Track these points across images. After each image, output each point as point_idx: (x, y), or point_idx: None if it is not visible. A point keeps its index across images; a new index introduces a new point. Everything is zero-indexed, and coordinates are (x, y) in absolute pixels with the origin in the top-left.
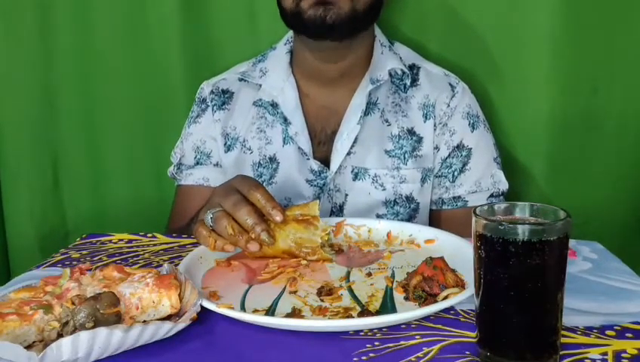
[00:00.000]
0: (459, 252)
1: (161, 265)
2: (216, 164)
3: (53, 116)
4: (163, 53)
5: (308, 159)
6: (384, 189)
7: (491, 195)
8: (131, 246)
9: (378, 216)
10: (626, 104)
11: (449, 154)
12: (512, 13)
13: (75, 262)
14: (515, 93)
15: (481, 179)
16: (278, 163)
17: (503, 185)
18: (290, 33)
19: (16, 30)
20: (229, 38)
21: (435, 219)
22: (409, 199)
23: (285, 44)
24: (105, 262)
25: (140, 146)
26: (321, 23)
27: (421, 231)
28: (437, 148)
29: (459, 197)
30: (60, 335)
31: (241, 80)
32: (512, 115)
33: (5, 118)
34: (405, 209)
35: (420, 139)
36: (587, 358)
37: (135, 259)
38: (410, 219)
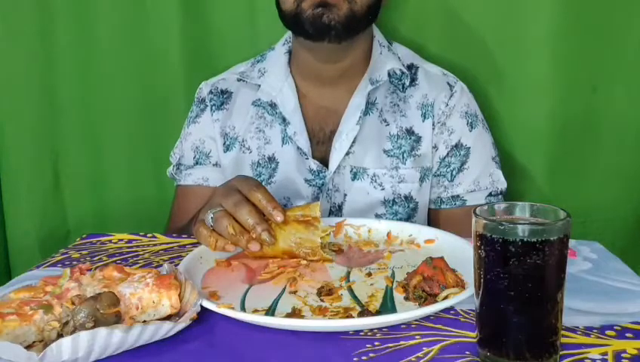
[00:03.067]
0: (459, 252)
1: (161, 265)
2: (216, 164)
3: (53, 116)
4: (163, 53)
5: (307, 159)
6: (383, 189)
7: (490, 194)
8: (131, 247)
9: (377, 216)
10: (625, 104)
11: (447, 154)
12: (512, 13)
13: (75, 262)
14: (514, 93)
15: (479, 178)
16: (277, 163)
17: (502, 184)
18: (289, 33)
19: (16, 30)
20: (229, 38)
21: (434, 219)
22: (408, 198)
23: (284, 45)
24: (105, 262)
25: (140, 146)
26: (320, 24)
27: (421, 231)
28: (435, 147)
29: (457, 196)
30: (60, 335)
31: (239, 80)
32: (512, 114)
33: (5, 118)
34: (404, 208)
35: (418, 139)
36: (587, 358)
37: (135, 259)
38: (409, 218)
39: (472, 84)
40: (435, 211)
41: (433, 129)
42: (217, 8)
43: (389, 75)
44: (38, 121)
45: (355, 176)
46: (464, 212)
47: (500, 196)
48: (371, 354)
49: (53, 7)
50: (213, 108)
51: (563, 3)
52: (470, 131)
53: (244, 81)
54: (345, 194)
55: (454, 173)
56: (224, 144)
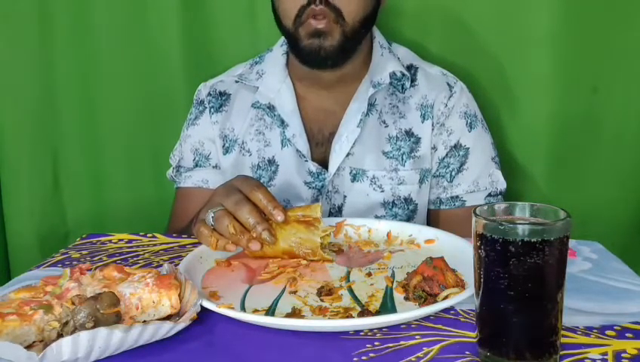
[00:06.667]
0: (459, 252)
1: (161, 265)
2: (215, 166)
3: (53, 116)
4: (163, 53)
5: (306, 161)
6: (382, 191)
7: (489, 195)
8: (131, 246)
9: (376, 218)
10: (626, 104)
11: (446, 154)
12: (513, 14)
13: (75, 262)
14: (515, 94)
15: (478, 179)
16: (277, 165)
17: (501, 185)
18: None
19: (16, 30)
20: (229, 38)
21: (433, 219)
22: (407, 200)
23: (282, 46)
24: (105, 262)
25: (140, 146)
26: (316, 57)
27: (421, 231)
28: (434, 148)
29: (457, 196)
30: (60, 335)
31: (237, 82)
32: (513, 115)
33: (5, 118)
34: (404, 210)
35: (417, 140)
36: (587, 358)
37: (135, 259)
38: (408, 220)
39: (473, 85)
40: (435, 212)
41: (433, 130)
42: (217, 8)
43: (389, 77)
44: (38, 121)
45: (354, 178)
46: (463, 212)
47: (499, 197)
48: (371, 354)
49: (52, 7)
50: (212, 110)
51: (563, 3)
52: (469, 132)
53: (242, 82)
54: (344, 196)
55: (453, 173)
56: (223, 146)
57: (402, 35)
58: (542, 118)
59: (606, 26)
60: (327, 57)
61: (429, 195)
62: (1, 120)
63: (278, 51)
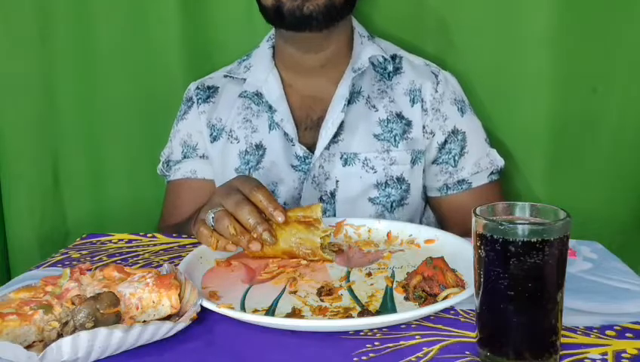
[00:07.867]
0: (459, 252)
1: (161, 265)
2: (203, 156)
3: (53, 116)
4: (163, 53)
5: (293, 145)
6: (375, 172)
7: (491, 173)
8: (131, 246)
9: (370, 200)
10: (625, 104)
11: (445, 140)
12: (511, 13)
13: (75, 262)
14: (513, 93)
15: (479, 160)
16: (265, 149)
17: (500, 162)
18: (272, 30)
19: (16, 30)
20: (228, 39)
21: (440, 206)
22: (400, 180)
23: (267, 41)
24: (105, 262)
25: (139, 146)
26: (300, 15)
27: (421, 231)
28: (432, 133)
29: (463, 180)
30: (60, 335)
31: (226, 77)
32: (511, 115)
33: (5, 118)
34: (397, 190)
35: (409, 123)
36: (587, 358)
37: (135, 259)
38: (402, 199)
39: (470, 84)
40: (443, 198)
41: (426, 114)
42: (217, 8)
43: (372, 64)
44: (38, 121)
45: (345, 162)
46: (470, 195)
47: (499, 173)
48: (371, 354)
49: (52, 7)
50: (200, 101)
51: (562, 2)
52: (462, 116)
53: (230, 77)
54: (337, 181)
55: (456, 158)
56: (211, 135)
57: (398, 36)
58: (540, 118)
59: (605, 25)
60: (311, 16)
61: (432, 182)
62: (1, 120)
63: (265, 45)
